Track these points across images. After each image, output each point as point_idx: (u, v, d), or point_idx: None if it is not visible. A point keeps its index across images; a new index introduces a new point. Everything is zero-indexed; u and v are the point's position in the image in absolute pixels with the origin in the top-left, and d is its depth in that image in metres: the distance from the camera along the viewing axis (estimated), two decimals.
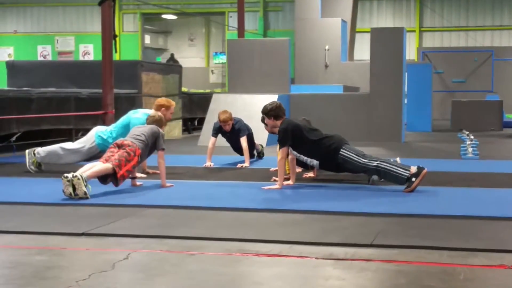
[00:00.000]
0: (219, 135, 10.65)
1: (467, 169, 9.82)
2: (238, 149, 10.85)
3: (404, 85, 15.57)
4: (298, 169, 8.90)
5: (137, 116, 9.16)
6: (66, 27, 34.56)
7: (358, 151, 8.01)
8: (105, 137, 9.29)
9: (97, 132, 9.42)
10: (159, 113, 8.72)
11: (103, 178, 7.57)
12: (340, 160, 7.96)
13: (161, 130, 8.28)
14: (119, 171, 7.52)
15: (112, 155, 7.67)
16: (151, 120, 8.47)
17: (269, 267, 4.69)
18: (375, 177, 8.15)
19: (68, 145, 9.65)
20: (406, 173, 7.69)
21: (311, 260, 4.82)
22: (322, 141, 8.05)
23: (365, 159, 7.89)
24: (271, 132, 8.54)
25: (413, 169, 7.70)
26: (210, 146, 10.43)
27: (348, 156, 7.92)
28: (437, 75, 25.55)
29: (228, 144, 11.08)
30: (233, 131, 10.52)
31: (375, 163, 7.83)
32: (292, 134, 7.98)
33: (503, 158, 11.72)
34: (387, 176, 7.81)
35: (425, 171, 7.66)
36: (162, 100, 9.34)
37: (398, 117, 15.20)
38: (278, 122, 8.14)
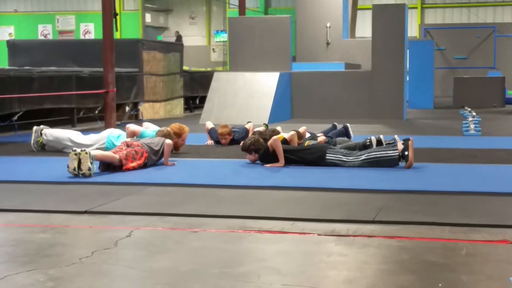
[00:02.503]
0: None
1: (469, 146, 9.81)
2: None
3: (406, 62, 15.53)
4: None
5: (151, 129, 9.20)
6: (66, 6, 34.44)
7: (343, 151, 7.97)
8: (115, 143, 9.23)
9: (109, 136, 9.35)
10: (168, 128, 8.74)
11: (106, 167, 7.58)
12: (329, 165, 7.88)
13: (170, 141, 8.29)
14: (125, 163, 7.56)
15: (121, 150, 7.74)
16: (160, 134, 8.52)
17: (272, 243, 4.70)
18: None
19: (78, 137, 9.52)
20: (396, 153, 7.68)
21: (313, 236, 4.84)
22: (306, 151, 8.00)
23: (351, 156, 7.84)
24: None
25: (400, 145, 7.70)
26: (208, 128, 10.45)
27: (335, 158, 7.86)
28: (439, 51, 25.47)
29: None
30: (232, 143, 10.32)
31: (363, 157, 7.77)
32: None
33: (505, 135, 11.72)
34: (380, 163, 7.74)
35: (411, 140, 7.67)
36: (174, 127, 9.06)
37: (400, 94, 15.18)
38: (257, 154, 8.15)
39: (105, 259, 4.30)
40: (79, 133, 9.82)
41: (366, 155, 7.79)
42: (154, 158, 8.01)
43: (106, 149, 9.15)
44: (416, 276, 3.92)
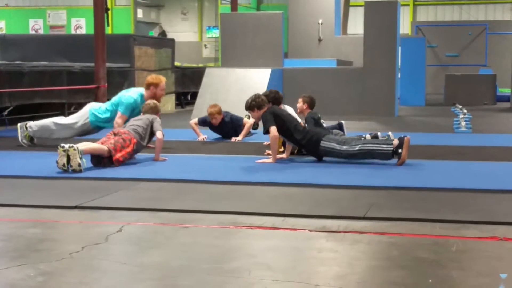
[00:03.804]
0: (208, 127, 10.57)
1: (460, 143, 9.84)
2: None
3: (397, 59, 15.55)
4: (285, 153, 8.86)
5: (129, 94, 9.11)
6: (57, 1, 34.30)
7: (338, 140, 7.97)
8: (98, 114, 9.24)
9: (91, 109, 9.36)
10: (154, 101, 8.66)
11: (98, 161, 7.56)
12: (322, 152, 7.93)
13: (157, 117, 8.24)
14: (114, 154, 7.53)
15: (108, 140, 7.70)
16: (146, 108, 8.44)
17: (263, 239, 4.70)
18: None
19: (61, 120, 9.59)
20: (390, 148, 7.69)
21: (304, 232, 4.84)
22: (302, 134, 8.00)
23: (346, 145, 7.85)
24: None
25: (395, 141, 7.71)
26: (193, 125, 10.44)
27: (330, 147, 7.88)
28: (430, 49, 25.52)
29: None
30: (223, 124, 10.39)
31: (357, 147, 7.79)
32: (274, 117, 7.95)
33: (496, 132, 11.75)
34: (374, 155, 7.78)
35: (407, 138, 7.68)
36: (150, 78, 9.17)
37: (392, 91, 15.19)
38: (262, 111, 8.13)
39: (96, 254, 4.29)
40: (62, 116, 9.86)
41: (360, 145, 7.79)
42: (142, 143, 7.99)
43: (90, 122, 9.22)
44: (407, 272, 3.92)
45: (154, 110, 8.39)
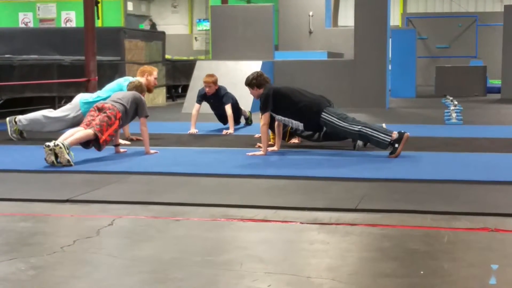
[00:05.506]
0: (204, 102, 10.60)
1: (450, 134, 9.86)
2: (222, 118, 10.80)
3: (388, 51, 15.53)
4: (295, 140, 8.89)
5: (125, 84, 9.13)
6: None
7: (340, 115, 7.97)
8: (90, 105, 9.19)
9: (82, 100, 9.31)
10: (139, 79, 8.67)
11: (86, 143, 7.55)
12: (321, 123, 7.97)
13: (142, 97, 8.23)
14: (101, 137, 7.49)
15: (93, 119, 7.63)
16: (131, 86, 8.41)
17: (254, 232, 4.70)
18: (360, 143, 8.18)
19: (51, 113, 9.53)
20: (388, 139, 7.70)
21: (295, 224, 4.84)
22: (304, 103, 8.00)
23: (346, 122, 7.86)
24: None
25: (395, 134, 7.71)
26: (194, 112, 10.40)
27: (330, 119, 7.89)
28: (421, 41, 25.52)
29: (212, 111, 11.03)
30: (217, 97, 10.45)
31: (357, 128, 7.80)
32: (273, 99, 7.95)
33: (486, 123, 11.77)
34: (370, 141, 7.84)
35: (406, 135, 7.68)
36: (143, 67, 9.38)
37: (382, 83, 15.18)
38: (262, 90, 8.11)
39: (87, 248, 4.28)
40: (51, 109, 9.80)
41: (361, 127, 7.78)
42: (127, 117, 7.97)
43: (83, 113, 9.06)
44: (398, 263, 3.93)
45: (139, 89, 8.35)
